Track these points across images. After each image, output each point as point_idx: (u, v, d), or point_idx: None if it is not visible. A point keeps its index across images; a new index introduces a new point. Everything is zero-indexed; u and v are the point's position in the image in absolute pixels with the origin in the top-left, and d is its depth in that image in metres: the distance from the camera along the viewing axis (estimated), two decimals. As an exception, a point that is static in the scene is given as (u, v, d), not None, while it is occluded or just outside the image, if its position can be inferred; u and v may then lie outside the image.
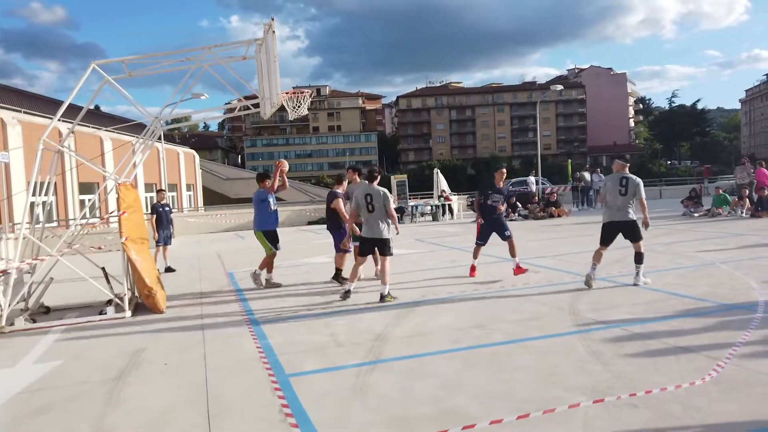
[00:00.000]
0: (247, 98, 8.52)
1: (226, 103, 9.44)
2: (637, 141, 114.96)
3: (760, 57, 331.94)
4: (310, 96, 8.98)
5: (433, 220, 23.10)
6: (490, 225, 8.74)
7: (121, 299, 7.44)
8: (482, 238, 8.86)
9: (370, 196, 7.45)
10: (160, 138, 25.80)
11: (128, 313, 7.34)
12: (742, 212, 16.01)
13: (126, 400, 4.31)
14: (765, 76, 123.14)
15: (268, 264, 9.01)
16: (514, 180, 28.99)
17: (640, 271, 7.46)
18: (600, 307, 6.32)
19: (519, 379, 4.21)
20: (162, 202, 11.83)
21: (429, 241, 14.69)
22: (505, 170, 9.11)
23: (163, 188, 13.62)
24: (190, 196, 38.17)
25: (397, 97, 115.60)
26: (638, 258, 7.49)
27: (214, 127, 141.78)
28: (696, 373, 4.07)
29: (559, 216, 20.07)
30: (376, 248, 7.65)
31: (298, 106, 8.38)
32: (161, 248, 11.54)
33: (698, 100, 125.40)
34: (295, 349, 5.37)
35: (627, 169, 7.66)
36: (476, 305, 6.83)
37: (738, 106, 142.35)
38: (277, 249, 9.04)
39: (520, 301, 6.87)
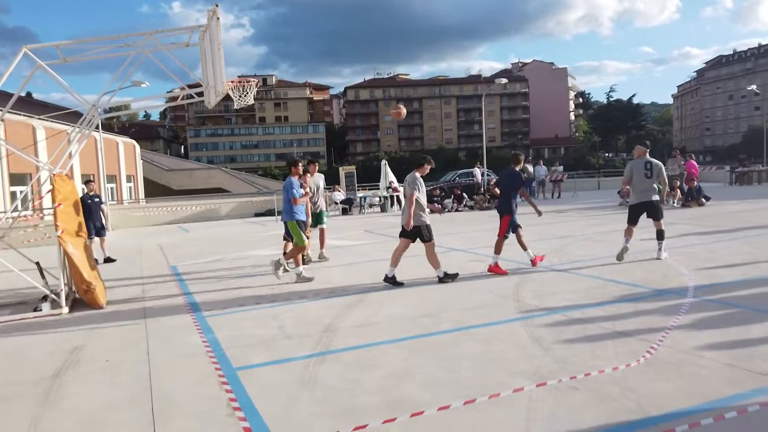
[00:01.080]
0: (190, 87, 8.27)
1: (168, 92, 9.11)
2: (577, 134, 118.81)
3: (691, 54, 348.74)
4: (256, 85, 8.83)
5: (381, 211, 23.18)
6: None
7: (58, 295, 7.13)
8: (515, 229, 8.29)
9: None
10: (97, 127, 24.74)
11: (65, 309, 7.04)
12: (673, 202, 16.83)
13: (64, 399, 4.14)
14: (695, 73, 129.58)
15: (296, 256, 8.29)
16: (460, 171, 29.41)
17: (662, 247, 8.30)
18: (542, 294, 6.53)
19: (465, 366, 4.31)
20: (91, 194, 11.54)
21: (378, 233, 14.75)
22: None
23: (92, 179, 13.12)
24: (130, 187, 36.81)
25: (345, 88, 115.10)
26: (660, 235, 8.34)
27: (155, 117, 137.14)
28: (631, 355, 4.28)
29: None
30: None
31: (244, 95, 8.23)
32: (94, 240, 11.18)
33: (634, 95, 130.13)
34: (242, 343, 5.30)
35: (648, 154, 8.41)
36: (425, 294, 6.92)
37: (670, 101, 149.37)
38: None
39: (467, 290, 7.01)
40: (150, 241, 15.70)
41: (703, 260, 7.97)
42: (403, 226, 7.63)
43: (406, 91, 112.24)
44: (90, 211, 11.18)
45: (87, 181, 12.39)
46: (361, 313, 6.15)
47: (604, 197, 22.92)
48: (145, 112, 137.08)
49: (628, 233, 8.48)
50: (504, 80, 32.82)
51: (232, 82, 7.87)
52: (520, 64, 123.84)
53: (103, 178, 28.57)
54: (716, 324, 4.94)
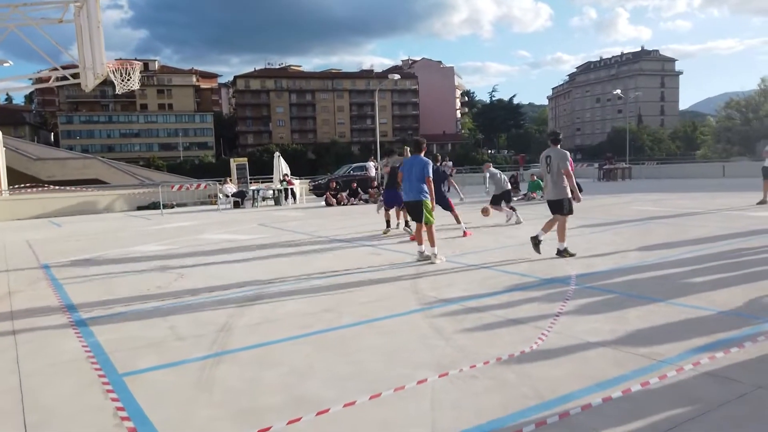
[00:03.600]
0: (64, 68, 7.53)
1: (36, 72, 8.22)
2: (462, 131, 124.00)
3: (562, 60, 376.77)
4: (140, 69, 8.24)
5: (275, 205, 22.71)
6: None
7: None
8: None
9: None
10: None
11: None
12: (552, 197, 18.06)
13: None
14: (567, 77, 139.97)
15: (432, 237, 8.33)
16: (354, 165, 29.55)
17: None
18: (439, 285, 6.69)
19: (368, 360, 4.29)
20: None
21: (273, 226, 14.40)
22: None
23: None
24: (-11, 177, 33.05)
25: (235, 77, 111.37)
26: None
27: (19, 100, 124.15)
28: (525, 342, 4.48)
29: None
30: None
31: (127, 79, 7.64)
32: None
33: (514, 96, 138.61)
34: (128, 346, 4.91)
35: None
36: (325, 289, 6.83)
37: (545, 102, 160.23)
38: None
39: (368, 284, 7.01)
40: (16, 237, 14.18)
41: (582, 250, 8.58)
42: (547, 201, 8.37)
43: (298, 83, 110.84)
44: None
45: None
46: (259, 311, 5.94)
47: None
48: (7, 94, 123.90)
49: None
50: (397, 76, 33.51)
51: (113, 64, 7.26)
52: (410, 62, 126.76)
53: (-44, 167, 25.42)
54: (598, 309, 5.32)
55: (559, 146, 8.41)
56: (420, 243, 8.49)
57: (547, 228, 8.29)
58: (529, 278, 6.85)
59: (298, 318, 5.57)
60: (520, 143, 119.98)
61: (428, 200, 8.29)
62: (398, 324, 5.20)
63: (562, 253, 8.12)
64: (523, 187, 20.19)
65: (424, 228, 8.42)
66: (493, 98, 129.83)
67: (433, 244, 8.27)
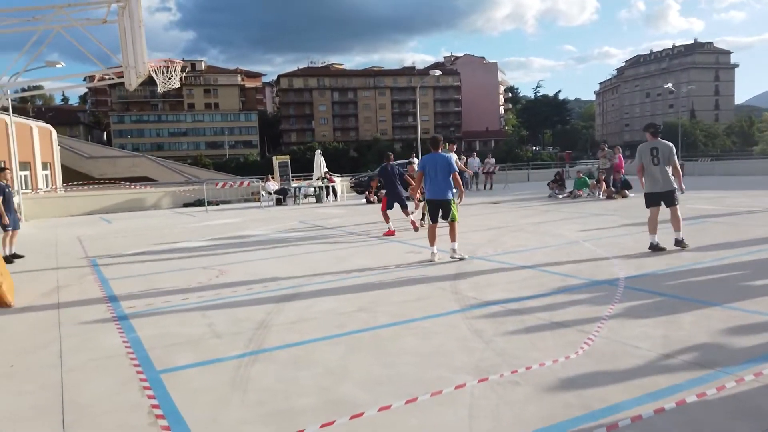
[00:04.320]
0: (111, 69, 7.69)
1: (86, 74, 8.46)
2: (506, 127, 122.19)
3: (610, 54, 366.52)
4: (183, 69, 8.33)
5: (317, 202, 22.83)
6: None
7: (-44, 293, 6.44)
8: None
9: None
10: (7, 109, 22.91)
11: (-35, 309, 6.38)
12: (599, 194, 17.50)
13: (-42, 412, 3.67)
14: (616, 71, 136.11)
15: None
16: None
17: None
18: (479, 285, 6.51)
19: (404, 362, 4.17)
20: (4, 182, 10.23)
21: (313, 223, 14.44)
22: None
23: (6, 166, 11.93)
24: (46, 175, 34.47)
25: (279, 76, 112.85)
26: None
27: (74, 101, 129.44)
28: (569, 347, 4.27)
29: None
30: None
31: (169, 78, 7.73)
32: (10, 233, 10.22)
33: (559, 91, 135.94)
34: (166, 343, 4.94)
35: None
36: (361, 287, 6.75)
37: (592, 97, 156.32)
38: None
39: (404, 283, 6.89)
40: (68, 233, 14.68)
41: (631, 250, 8.23)
42: (647, 194, 8.26)
43: (340, 80, 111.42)
44: (7, 201, 10.04)
45: (1, 169, 11.13)
46: (296, 309, 5.90)
47: (534, 189, 23.58)
48: (63, 95, 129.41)
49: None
50: (438, 72, 33.14)
51: (155, 63, 7.36)
52: (452, 58, 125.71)
53: (16, 165, 26.59)
54: (649, 313, 5.04)
55: (659, 138, 8.27)
56: (432, 243, 8.29)
57: (656, 225, 8.19)
58: (574, 279, 6.58)
59: (333, 317, 5.49)
60: (565, 140, 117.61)
61: (454, 198, 8.31)
62: (436, 325, 5.06)
63: (681, 243, 8.13)
64: (569, 185, 19.63)
65: (440, 226, 8.33)
66: (538, 94, 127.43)
67: (454, 239, 8.26)
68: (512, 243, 9.46)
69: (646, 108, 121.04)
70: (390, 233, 11.13)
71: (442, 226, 8.41)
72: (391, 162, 11.66)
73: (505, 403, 3.36)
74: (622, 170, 18.15)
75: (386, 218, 11.55)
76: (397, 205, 11.62)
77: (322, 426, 3.20)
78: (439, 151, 8.44)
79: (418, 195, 9.76)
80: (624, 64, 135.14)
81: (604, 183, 17.58)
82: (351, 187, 27.04)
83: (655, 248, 8.04)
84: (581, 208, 14.87)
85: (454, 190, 8.28)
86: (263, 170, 31.68)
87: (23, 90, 16.98)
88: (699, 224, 10.82)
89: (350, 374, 3.99)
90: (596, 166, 20.50)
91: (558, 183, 19.17)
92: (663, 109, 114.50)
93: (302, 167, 37.61)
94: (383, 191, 11.97)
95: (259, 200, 23.41)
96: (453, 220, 8.25)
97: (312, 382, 3.88)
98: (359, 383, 3.81)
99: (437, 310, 5.55)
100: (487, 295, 6.03)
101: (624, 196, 17.05)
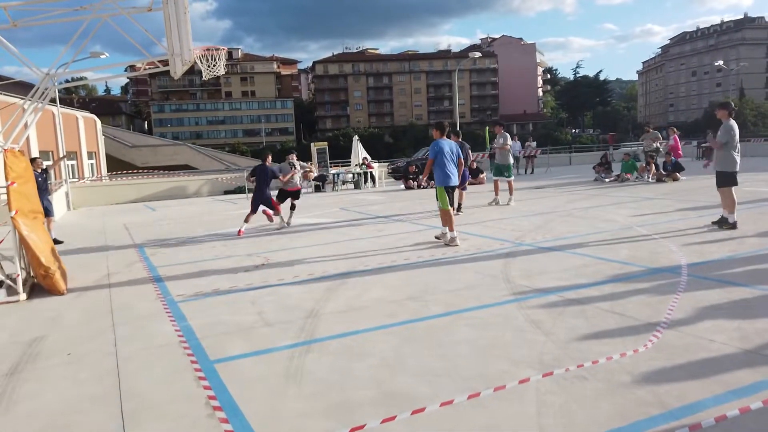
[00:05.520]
0: (155, 58, 7.68)
1: (130, 62, 8.51)
2: (544, 110, 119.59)
3: (653, 31, 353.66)
4: (225, 54, 8.27)
5: (355, 188, 22.77)
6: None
7: (14, 280, 6.59)
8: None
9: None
10: (54, 101, 23.52)
11: (23, 296, 6.52)
12: (648, 177, 16.87)
13: (20, 401, 3.71)
14: (660, 50, 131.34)
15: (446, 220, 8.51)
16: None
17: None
18: (531, 273, 6.29)
19: (461, 354, 4.02)
20: (38, 171, 10.65)
21: (354, 210, 14.36)
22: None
23: (38, 156, 12.28)
24: (92, 164, 35.45)
25: (314, 63, 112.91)
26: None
27: (116, 92, 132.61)
28: (637, 340, 4.05)
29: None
30: None
31: (213, 65, 7.68)
32: (46, 220, 10.51)
33: (600, 71, 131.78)
34: (218, 331, 4.91)
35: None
36: (409, 275, 6.62)
37: (634, 77, 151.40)
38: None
39: (452, 270, 6.73)
40: (114, 221, 14.99)
41: (690, 235, 7.85)
42: (733, 173, 8.40)
43: (375, 65, 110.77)
44: (39, 188, 10.45)
45: (32, 159, 11.48)
46: (345, 296, 5.82)
47: (578, 172, 22.96)
48: (106, 85, 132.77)
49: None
50: (477, 54, 32.56)
51: (200, 50, 7.31)
52: (489, 40, 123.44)
53: (63, 154, 27.32)
54: (719, 303, 4.76)
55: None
56: (453, 228, 8.40)
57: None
58: (633, 267, 6.29)
59: (383, 306, 5.38)
60: (607, 121, 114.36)
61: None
62: (491, 315, 4.89)
63: (732, 225, 8.24)
64: (615, 168, 19.02)
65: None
66: (578, 75, 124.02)
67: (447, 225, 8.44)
68: (562, 229, 9.15)
69: (692, 87, 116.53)
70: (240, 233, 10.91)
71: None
72: (268, 162, 11.39)
73: (574, 400, 3.18)
74: (680, 152, 17.41)
75: (268, 216, 11.71)
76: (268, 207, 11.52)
77: (384, 421, 3.10)
78: (444, 137, 8.60)
79: (423, 180, 9.82)
80: (669, 41, 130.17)
81: (653, 165, 16.92)
82: (389, 173, 26.89)
83: (732, 227, 8.11)
84: (631, 192, 14.35)
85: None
86: (300, 157, 31.72)
87: (67, 81, 17.35)
88: (761, 208, 10.28)
89: (406, 366, 3.86)
90: (641, 148, 19.69)
91: (604, 166, 18.58)
92: (710, 88, 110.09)
93: (337, 153, 37.57)
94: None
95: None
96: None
97: (367, 373, 3.78)
98: (416, 376, 3.69)
99: (490, 299, 5.37)
100: (541, 283, 5.82)
101: (675, 179, 16.39)
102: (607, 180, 17.79)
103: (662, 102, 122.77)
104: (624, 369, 3.56)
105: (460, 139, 10.95)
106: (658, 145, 17.37)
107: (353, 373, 3.81)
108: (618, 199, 12.73)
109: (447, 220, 8.40)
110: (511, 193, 13.06)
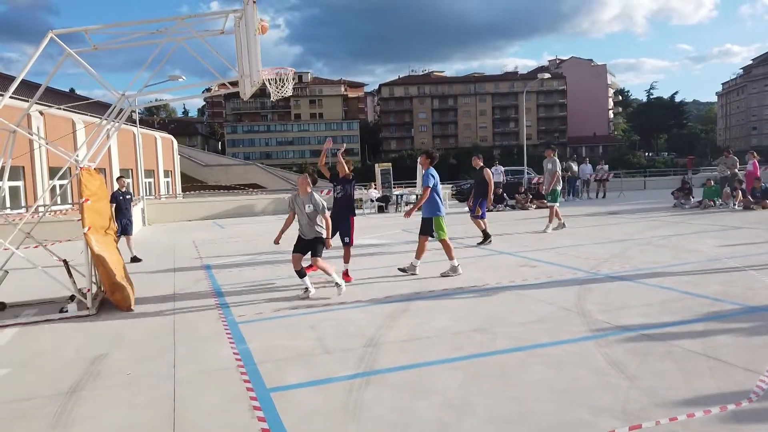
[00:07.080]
0: (226, 80, 7.81)
1: (205, 90, 8.73)
2: (615, 132, 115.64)
3: (732, 51, 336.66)
4: (294, 75, 8.30)
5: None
6: None
7: (84, 295, 6.75)
8: None
9: None
10: (135, 122, 24.78)
11: (93, 311, 6.66)
12: (734, 204, 15.71)
13: (76, 422, 3.66)
14: (741, 70, 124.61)
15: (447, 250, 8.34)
16: (494, 169, 28.48)
17: None
18: (610, 307, 5.81)
19: (536, 397, 3.67)
20: (122, 190, 11.28)
21: (417, 232, 14.08)
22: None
23: (123, 175, 12.88)
24: (167, 182, 37.07)
25: (380, 85, 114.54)
26: None
27: (193, 114, 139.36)
28: (738, 390, 3.56)
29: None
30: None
31: (281, 87, 7.71)
32: (123, 238, 10.87)
33: (676, 93, 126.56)
34: (277, 356, 4.76)
35: None
36: (475, 304, 6.28)
37: (713, 99, 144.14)
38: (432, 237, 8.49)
39: (521, 300, 6.33)
40: (184, 237, 15.41)
41: (788, 271, 7.10)
42: None
43: (441, 88, 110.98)
44: (120, 208, 10.94)
45: (118, 177, 12.12)
46: (407, 325, 5.55)
47: (654, 198, 21.78)
48: (184, 107, 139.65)
49: None
50: (546, 75, 31.92)
51: (268, 71, 7.35)
52: (557, 61, 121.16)
53: (141, 173, 28.72)
54: (833, 352, 4.16)
55: None
56: (452, 257, 8.17)
57: None
58: (726, 304, 5.69)
59: (448, 337, 5.07)
60: (682, 144, 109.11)
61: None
62: (566, 353, 4.48)
63: None
64: (696, 194, 17.88)
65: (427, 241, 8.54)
66: (651, 96, 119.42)
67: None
68: (641, 258, 8.53)
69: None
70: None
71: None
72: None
73: (669, 462, 2.78)
74: (759, 176, 16.17)
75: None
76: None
77: (449, 472, 2.80)
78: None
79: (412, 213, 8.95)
80: (751, 62, 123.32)
81: (740, 192, 15.75)
82: (452, 194, 26.52)
83: None
84: (715, 219, 13.36)
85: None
86: (364, 177, 31.91)
87: (150, 103, 18.19)
88: None
89: (474, 408, 3.55)
90: (718, 173, 18.29)
91: (685, 191, 17.48)
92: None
93: (402, 174, 37.53)
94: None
95: (361, 207, 23.52)
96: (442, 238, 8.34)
97: (431, 414, 3.49)
98: (486, 421, 3.36)
99: (564, 335, 4.97)
100: (621, 319, 5.34)
101: (765, 207, 15.17)
102: (687, 206, 16.72)
103: (744, 125, 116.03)
104: (726, 426, 3.11)
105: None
106: (735, 171, 16.21)
107: (416, 412, 3.54)
108: (701, 228, 11.86)
109: (449, 250, 8.20)
110: (550, 221, 12.55)
